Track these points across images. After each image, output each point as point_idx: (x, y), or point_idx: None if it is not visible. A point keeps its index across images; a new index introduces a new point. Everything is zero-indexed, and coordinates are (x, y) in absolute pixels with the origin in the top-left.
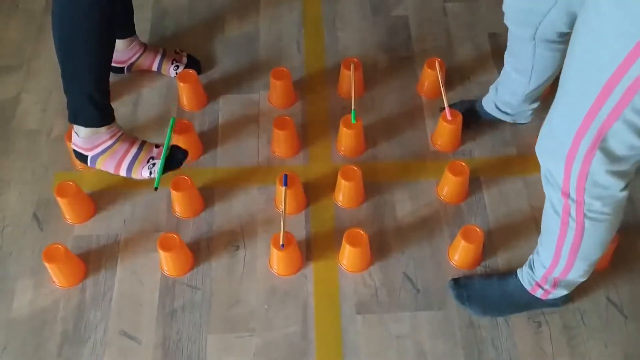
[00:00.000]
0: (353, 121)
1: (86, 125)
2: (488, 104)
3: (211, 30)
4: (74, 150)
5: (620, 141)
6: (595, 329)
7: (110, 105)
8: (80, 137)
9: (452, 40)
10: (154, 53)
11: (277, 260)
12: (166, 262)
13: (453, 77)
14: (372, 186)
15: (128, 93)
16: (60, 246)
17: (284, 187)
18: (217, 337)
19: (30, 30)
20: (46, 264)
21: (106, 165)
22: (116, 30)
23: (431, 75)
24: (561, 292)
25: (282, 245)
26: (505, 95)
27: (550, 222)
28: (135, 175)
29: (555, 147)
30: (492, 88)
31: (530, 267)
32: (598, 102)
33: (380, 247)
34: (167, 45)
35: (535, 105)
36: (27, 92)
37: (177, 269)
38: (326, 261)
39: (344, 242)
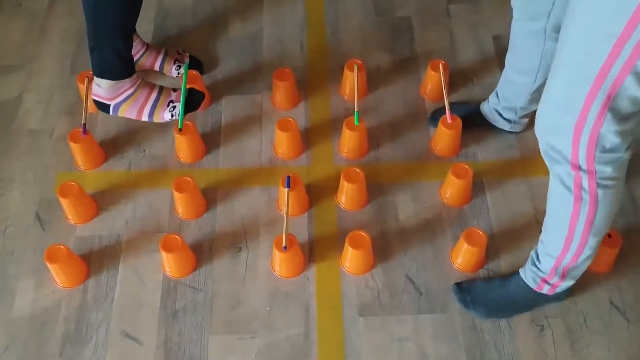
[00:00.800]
0: (356, 123)
1: (112, 79)
2: (488, 112)
3: (214, 31)
4: (96, 101)
5: (629, 98)
6: (598, 332)
7: (132, 58)
8: (103, 87)
9: (456, 42)
10: (156, 52)
11: (280, 262)
12: (168, 263)
13: (456, 79)
14: (375, 188)
15: None
16: (62, 246)
17: (286, 189)
18: (219, 339)
19: (32, 30)
20: (48, 264)
21: (128, 112)
22: None
23: (434, 77)
24: (568, 284)
25: (285, 247)
26: (509, 100)
27: (560, 202)
28: (157, 119)
29: (562, 118)
30: (492, 96)
31: (534, 264)
32: (609, 60)
33: (382, 249)
34: (170, 46)
35: (536, 106)
36: (29, 92)
37: (179, 270)
38: (328, 263)
39: (346, 244)
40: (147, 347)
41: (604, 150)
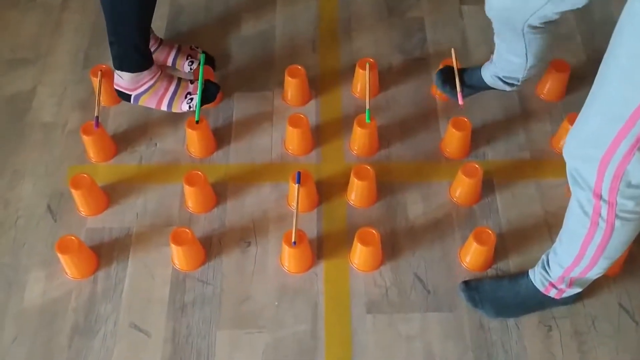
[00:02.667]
0: (367, 121)
1: (131, 71)
2: (491, 79)
3: (227, 28)
4: (118, 91)
5: None
6: (606, 334)
7: (150, 50)
8: (125, 79)
9: (468, 43)
10: (169, 48)
11: (288, 258)
12: (178, 257)
13: None
14: (385, 186)
15: None
16: (73, 237)
17: (296, 185)
18: (227, 333)
19: (47, 25)
20: (59, 255)
21: (148, 102)
22: None
23: None
24: (575, 291)
25: (294, 242)
26: (508, 72)
27: (576, 222)
28: (175, 109)
29: (590, 149)
30: (492, 65)
31: (544, 268)
32: None
33: (391, 247)
34: (183, 42)
35: (543, 65)
36: (43, 85)
37: (188, 263)
38: (337, 260)
39: (355, 241)
40: (155, 339)
41: (629, 185)
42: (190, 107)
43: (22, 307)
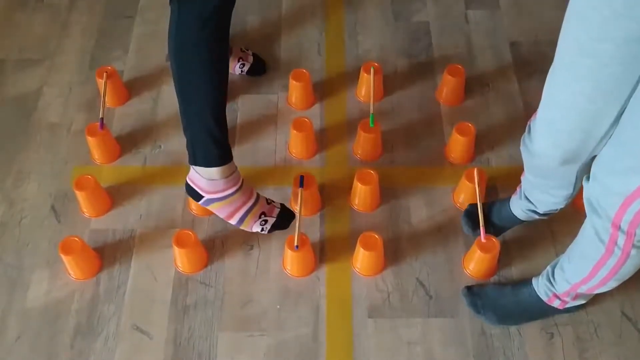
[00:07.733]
0: (371, 125)
1: (207, 165)
2: (523, 213)
3: (233, 31)
4: (188, 186)
5: None
6: (608, 342)
7: (229, 145)
8: (204, 178)
9: (473, 48)
10: None
11: (291, 261)
12: (180, 259)
13: (472, 84)
14: (388, 191)
15: (148, 90)
16: (77, 239)
17: (300, 189)
18: (228, 336)
19: (54, 26)
20: (63, 256)
21: (219, 210)
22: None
23: (451, 82)
24: (579, 302)
25: (297, 246)
26: (548, 206)
27: (589, 247)
28: (245, 227)
29: (618, 185)
30: (523, 200)
31: (549, 280)
32: None
33: (394, 252)
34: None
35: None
36: (50, 85)
37: (191, 265)
38: (339, 264)
39: (358, 245)
40: (157, 341)
41: None
42: (263, 229)
43: (26, 306)
